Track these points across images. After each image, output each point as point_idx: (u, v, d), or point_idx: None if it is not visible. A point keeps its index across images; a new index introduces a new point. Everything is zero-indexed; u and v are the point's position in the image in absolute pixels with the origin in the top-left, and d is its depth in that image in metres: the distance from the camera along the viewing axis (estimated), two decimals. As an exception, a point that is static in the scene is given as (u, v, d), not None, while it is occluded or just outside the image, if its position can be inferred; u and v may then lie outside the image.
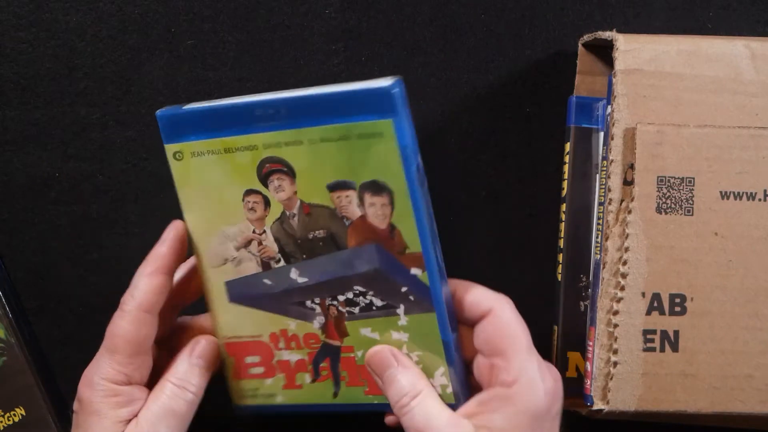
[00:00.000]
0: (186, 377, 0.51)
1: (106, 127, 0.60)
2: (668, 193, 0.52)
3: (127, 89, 0.60)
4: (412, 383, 0.49)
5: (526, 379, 0.48)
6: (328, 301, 0.50)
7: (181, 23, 0.60)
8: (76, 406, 0.51)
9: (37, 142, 0.60)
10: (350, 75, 0.61)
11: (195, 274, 0.53)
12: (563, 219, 0.59)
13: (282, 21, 0.61)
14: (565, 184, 0.59)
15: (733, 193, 0.53)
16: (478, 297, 0.50)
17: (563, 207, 0.59)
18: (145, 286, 0.50)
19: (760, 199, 0.53)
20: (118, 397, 0.50)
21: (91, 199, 0.60)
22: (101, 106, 0.60)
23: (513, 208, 0.61)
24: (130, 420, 0.50)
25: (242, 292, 0.52)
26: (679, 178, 0.53)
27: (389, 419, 0.53)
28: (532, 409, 0.48)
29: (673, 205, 0.52)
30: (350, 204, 0.48)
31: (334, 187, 0.48)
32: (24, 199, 0.60)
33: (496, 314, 0.49)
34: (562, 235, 0.59)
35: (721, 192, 0.53)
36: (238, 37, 0.60)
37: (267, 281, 0.51)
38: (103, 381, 0.50)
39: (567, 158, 0.59)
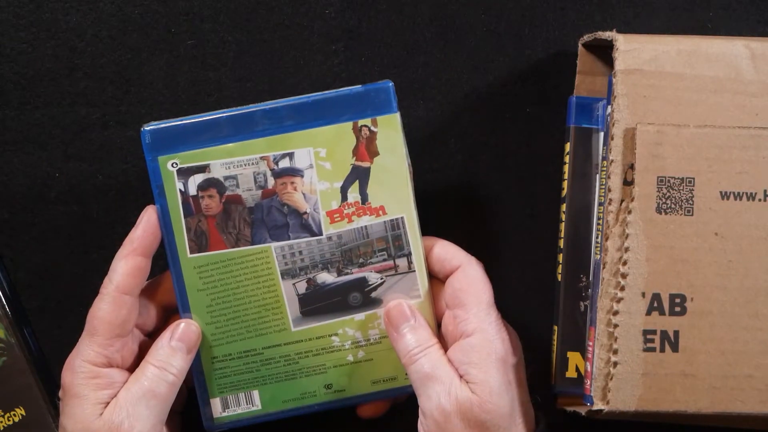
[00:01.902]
0: (167, 359, 0.52)
1: (106, 127, 0.60)
2: (668, 193, 0.52)
3: (127, 89, 0.60)
4: (425, 337, 0.53)
5: (487, 327, 0.52)
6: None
7: (181, 23, 0.60)
8: (60, 392, 0.52)
9: (37, 142, 0.60)
10: (350, 75, 0.61)
11: None
12: (563, 219, 0.59)
13: (282, 21, 0.61)
14: (565, 184, 0.59)
15: (733, 193, 0.53)
16: (450, 253, 0.54)
17: (563, 207, 0.59)
18: (122, 268, 0.52)
19: (760, 199, 0.53)
20: (97, 379, 0.51)
21: (91, 199, 0.60)
22: (101, 106, 0.60)
23: (513, 208, 0.61)
24: (109, 402, 0.51)
25: None
26: (679, 178, 0.53)
27: (362, 410, 0.56)
28: (495, 355, 0.52)
29: (673, 205, 0.52)
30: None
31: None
32: (24, 199, 0.60)
33: (464, 270, 0.53)
34: (562, 235, 0.59)
35: (721, 192, 0.53)
36: (238, 37, 0.60)
37: None
38: (83, 363, 0.51)
39: (567, 158, 0.59)
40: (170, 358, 0.52)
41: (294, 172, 0.52)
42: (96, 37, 0.60)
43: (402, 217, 0.53)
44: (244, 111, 0.52)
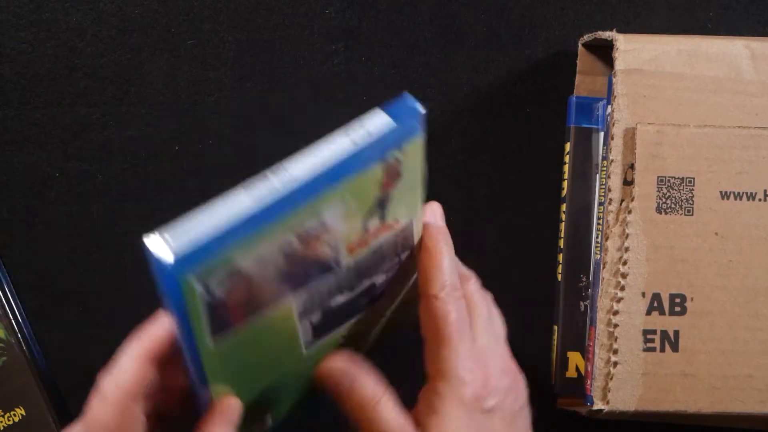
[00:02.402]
0: None
1: (106, 127, 0.60)
2: (668, 193, 0.52)
3: (127, 89, 0.60)
4: (369, 395, 0.46)
5: (446, 372, 0.45)
6: None
7: (181, 23, 0.60)
8: None
9: (37, 142, 0.60)
10: (350, 75, 0.61)
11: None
12: (563, 219, 0.59)
13: (282, 21, 0.61)
14: (565, 184, 0.59)
15: (733, 193, 0.53)
16: (421, 272, 0.47)
17: (563, 207, 0.59)
18: (131, 369, 0.42)
19: (760, 199, 0.53)
20: None
21: (91, 199, 0.60)
22: (101, 106, 0.60)
23: (513, 208, 0.61)
24: None
25: None
26: (679, 178, 0.53)
27: None
28: (456, 402, 0.45)
29: (673, 205, 0.52)
30: None
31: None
32: (24, 199, 0.60)
33: (423, 305, 0.46)
34: (562, 235, 0.59)
35: (721, 192, 0.53)
36: (238, 37, 0.60)
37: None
38: None
39: (567, 158, 0.59)
40: None
41: (322, 229, 0.44)
42: (96, 37, 0.60)
43: (411, 221, 0.48)
44: (269, 200, 0.41)
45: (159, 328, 0.43)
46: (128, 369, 0.42)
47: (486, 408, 0.45)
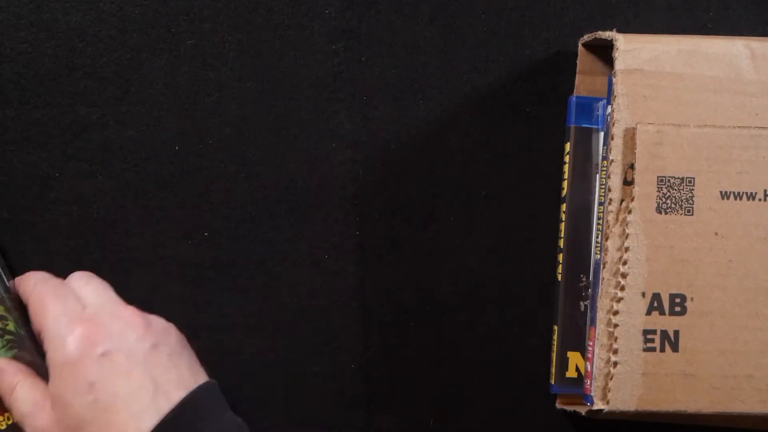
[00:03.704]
0: None
1: (106, 127, 0.60)
2: (668, 193, 0.52)
3: (127, 89, 0.60)
4: (10, 379, 0.53)
5: (47, 334, 0.51)
6: None
7: (181, 23, 0.60)
8: None
9: (37, 142, 0.60)
10: (350, 75, 0.61)
11: None
12: (563, 219, 0.59)
13: (282, 21, 0.61)
14: (565, 184, 0.59)
15: (733, 193, 0.53)
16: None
17: (563, 207, 0.59)
18: None
19: (760, 199, 0.53)
20: None
21: (91, 199, 0.60)
22: (101, 106, 0.60)
23: (513, 208, 0.61)
24: None
25: None
26: (679, 178, 0.53)
27: None
28: (59, 360, 0.50)
29: (673, 205, 0.52)
30: None
31: None
32: (24, 199, 0.60)
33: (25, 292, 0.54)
34: (562, 235, 0.59)
35: (721, 192, 0.53)
36: (238, 37, 0.60)
37: None
38: None
39: (567, 158, 0.59)
40: None
41: None
42: (96, 37, 0.60)
43: None
44: None
45: None
46: None
47: (99, 353, 0.49)
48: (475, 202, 0.61)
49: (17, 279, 0.57)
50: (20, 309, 0.56)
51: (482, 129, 0.61)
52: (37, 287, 0.54)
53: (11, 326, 0.55)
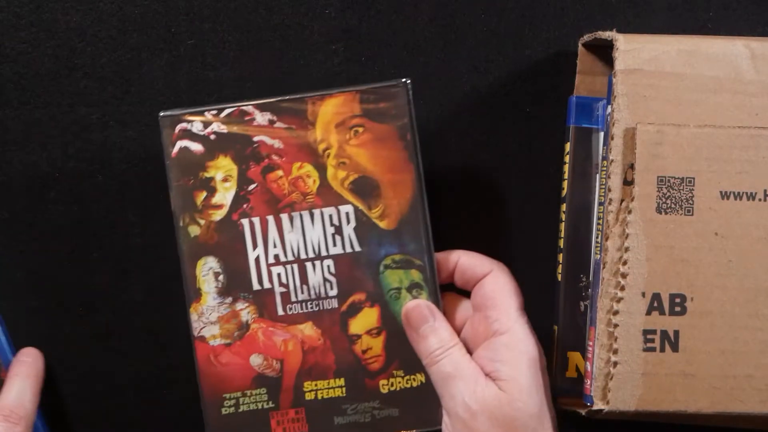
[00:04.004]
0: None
1: (106, 127, 0.60)
2: (668, 193, 0.52)
3: (127, 89, 0.60)
4: (447, 337, 0.53)
5: (519, 328, 0.52)
6: None
7: (181, 23, 0.60)
8: None
9: (37, 142, 0.60)
10: (350, 75, 0.61)
11: None
12: (563, 219, 0.59)
13: (282, 21, 0.61)
14: (565, 184, 0.59)
15: (733, 193, 0.53)
16: (477, 260, 0.55)
17: (563, 207, 0.59)
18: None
19: (760, 199, 0.53)
20: None
21: (91, 199, 0.60)
22: (101, 106, 0.60)
23: (513, 208, 0.61)
24: None
25: None
26: (679, 178, 0.53)
27: None
28: (527, 354, 0.51)
29: (673, 205, 0.52)
30: None
31: None
32: (24, 199, 0.60)
33: (495, 274, 0.54)
34: (562, 235, 0.59)
35: (721, 192, 0.53)
36: (238, 37, 0.60)
37: None
38: None
39: (567, 158, 0.59)
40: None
41: None
42: (96, 37, 0.60)
43: None
44: None
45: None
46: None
47: (542, 367, 0.52)
48: (475, 202, 0.61)
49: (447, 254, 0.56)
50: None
51: (482, 129, 0.61)
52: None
53: (424, 296, 0.55)
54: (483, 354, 0.52)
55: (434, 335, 0.53)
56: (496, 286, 0.53)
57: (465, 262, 0.54)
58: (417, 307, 0.54)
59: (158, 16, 0.60)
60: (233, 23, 0.60)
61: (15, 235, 0.60)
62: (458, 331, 0.54)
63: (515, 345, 0.51)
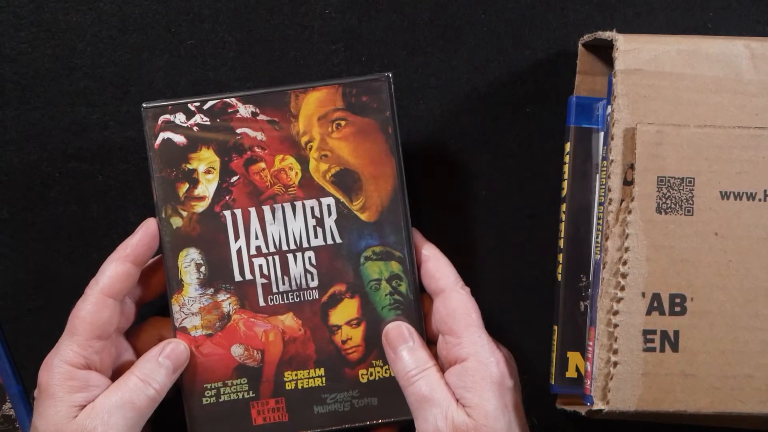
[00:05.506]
0: (151, 373, 0.52)
1: (106, 127, 0.60)
2: (668, 193, 0.52)
3: (127, 89, 0.60)
4: (422, 359, 0.53)
5: (480, 350, 0.52)
6: None
7: (181, 23, 0.60)
8: (36, 392, 0.52)
9: (37, 142, 0.60)
10: (350, 75, 0.61)
11: (159, 268, 0.55)
12: (563, 219, 0.59)
13: (282, 21, 0.61)
14: (565, 184, 0.59)
15: (733, 193, 0.53)
16: (439, 272, 0.54)
17: (563, 207, 0.59)
18: (110, 271, 0.52)
19: (760, 199, 0.53)
20: (74, 380, 0.51)
21: (91, 199, 0.60)
22: (101, 106, 0.60)
23: (513, 208, 0.61)
24: (85, 406, 0.51)
25: None
26: (679, 178, 0.53)
27: None
28: (490, 378, 0.52)
29: (673, 205, 0.52)
30: None
31: None
32: (24, 199, 0.60)
33: (448, 295, 0.54)
34: (562, 235, 0.59)
35: (721, 192, 0.53)
36: (238, 37, 0.60)
37: None
38: (61, 363, 0.51)
39: (567, 158, 0.59)
40: (155, 372, 0.52)
41: None
42: (96, 37, 0.60)
43: None
44: None
45: (134, 238, 0.53)
46: (107, 271, 0.52)
47: (508, 386, 0.52)
48: (475, 202, 0.61)
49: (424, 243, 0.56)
50: (416, 273, 0.56)
51: (482, 129, 0.61)
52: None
53: (403, 288, 0.55)
54: (451, 380, 0.52)
55: (410, 356, 0.53)
56: (449, 310, 0.53)
57: (429, 268, 0.54)
58: (397, 327, 0.54)
59: (158, 16, 0.60)
60: (233, 23, 0.60)
61: (15, 235, 0.60)
62: (437, 334, 0.55)
63: (477, 370, 0.52)
